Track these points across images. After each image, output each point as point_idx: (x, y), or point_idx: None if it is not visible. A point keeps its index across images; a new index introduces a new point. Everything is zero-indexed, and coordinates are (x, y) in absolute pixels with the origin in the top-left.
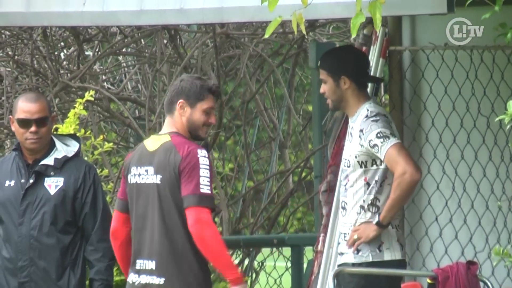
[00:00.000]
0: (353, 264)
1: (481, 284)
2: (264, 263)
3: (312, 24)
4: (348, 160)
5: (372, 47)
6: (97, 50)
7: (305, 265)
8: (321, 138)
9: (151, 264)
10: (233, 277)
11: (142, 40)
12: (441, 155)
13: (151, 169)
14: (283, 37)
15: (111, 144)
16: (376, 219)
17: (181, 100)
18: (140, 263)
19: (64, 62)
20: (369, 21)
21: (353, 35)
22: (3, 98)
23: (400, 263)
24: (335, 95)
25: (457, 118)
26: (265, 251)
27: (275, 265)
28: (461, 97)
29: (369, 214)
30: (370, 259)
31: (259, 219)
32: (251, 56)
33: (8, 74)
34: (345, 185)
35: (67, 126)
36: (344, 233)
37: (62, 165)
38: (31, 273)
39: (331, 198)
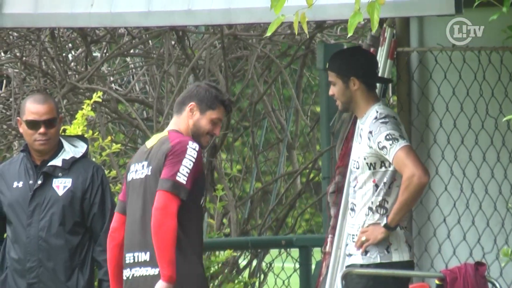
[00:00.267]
0: (361, 266)
1: (489, 285)
2: (272, 264)
3: (319, 25)
4: (357, 161)
5: (380, 48)
6: (105, 51)
7: (313, 266)
8: (329, 139)
9: (144, 256)
10: (168, 273)
11: (150, 41)
12: (449, 156)
13: (145, 163)
14: (291, 38)
15: (119, 145)
16: (384, 221)
17: (192, 103)
18: (129, 257)
19: (72, 63)
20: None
21: (350, 34)
22: (11, 99)
23: (408, 264)
24: (344, 96)
25: (465, 119)
26: (273, 252)
27: (283, 266)
28: (469, 98)
29: (377, 216)
30: (378, 260)
31: (267, 220)
32: (258, 57)
33: (16, 76)
34: (354, 187)
35: (75, 127)
36: (352, 235)
37: (70, 166)
38: (39, 274)
39: (339, 199)
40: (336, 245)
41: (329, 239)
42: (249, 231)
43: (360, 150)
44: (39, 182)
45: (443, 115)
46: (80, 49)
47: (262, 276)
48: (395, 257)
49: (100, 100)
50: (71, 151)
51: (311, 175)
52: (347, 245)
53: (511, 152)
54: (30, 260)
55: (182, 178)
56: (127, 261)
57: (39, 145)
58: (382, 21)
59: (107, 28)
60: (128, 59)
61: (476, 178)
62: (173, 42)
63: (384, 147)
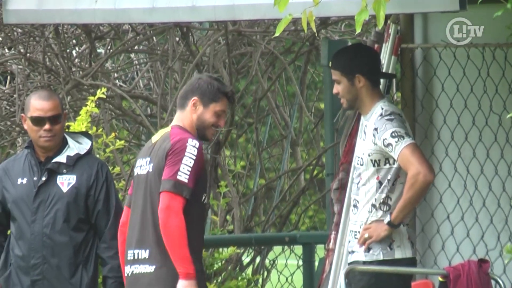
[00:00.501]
0: (364, 262)
1: (493, 282)
2: (276, 261)
3: (324, 22)
4: (361, 158)
5: (384, 44)
6: (109, 47)
7: (316, 263)
8: (333, 136)
9: (144, 253)
10: (185, 271)
11: (154, 38)
12: (453, 153)
13: (148, 160)
14: (295, 34)
15: (122, 142)
16: (388, 217)
17: (195, 97)
18: (130, 254)
19: (76, 60)
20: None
21: (357, 31)
22: (15, 96)
23: (410, 261)
24: (350, 94)
25: (469, 116)
26: (277, 249)
27: (286, 263)
28: (473, 94)
29: (380, 213)
30: (381, 257)
31: (271, 217)
32: (263, 53)
33: (20, 72)
34: (357, 183)
35: (79, 124)
36: (355, 231)
37: (74, 163)
38: (43, 271)
39: (342, 196)
40: (339, 242)
41: (332, 236)
42: (253, 228)
43: (364, 146)
44: (44, 178)
45: (447, 111)
46: (84, 46)
47: (265, 273)
48: (398, 254)
49: (104, 96)
50: (76, 147)
51: (315, 172)
52: (349, 242)
53: None
54: (34, 257)
55: (183, 177)
56: (129, 258)
57: (44, 141)
58: (386, 18)
59: (111, 24)
60: (132, 55)
61: (480, 175)
62: (177, 39)
63: (389, 144)
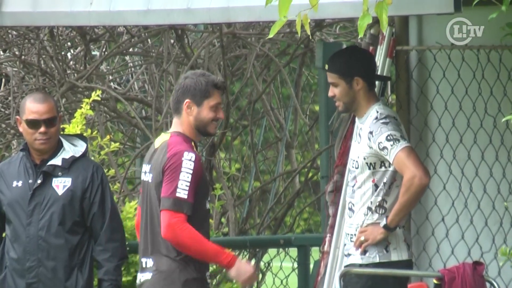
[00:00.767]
0: (361, 265)
1: (488, 284)
2: (271, 264)
3: (318, 24)
4: (356, 161)
5: (379, 46)
6: (104, 50)
7: (311, 266)
8: (328, 138)
9: (150, 262)
10: (225, 262)
11: (149, 40)
12: (448, 155)
13: (149, 168)
14: (290, 36)
15: (117, 144)
16: (384, 221)
17: (187, 100)
18: (142, 262)
19: (71, 62)
20: (376, 21)
21: (360, 35)
22: (9, 98)
23: (407, 264)
24: (347, 97)
25: (463, 118)
26: (272, 251)
27: (281, 266)
28: (468, 97)
29: (376, 216)
30: (377, 260)
31: (266, 219)
32: (257, 56)
33: (15, 74)
34: (352, 186)
35: (74, 126)
36: (351, 234)
37: (69, 165)
38: (39, 273)
39: (337, 199)
40: (334, 244)
41: (327, 239)
42: (248, 230)
43: (360, 150)
44: (39, 181)
45: (442, 114)
46: (79, 48)
47: (260, 276)
48: (394, 257)
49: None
50: (71, 150)
51: (310, 174)
52: (345, 245)
53: (509, 151)
54: (30, 260)
55: (182, 193)
56: (142, 266)
57: (39, 144)
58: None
59: (106, 27)
60: (127, 57)
61: (475, 177)
62: (172, 41)
63: (385, 147)
